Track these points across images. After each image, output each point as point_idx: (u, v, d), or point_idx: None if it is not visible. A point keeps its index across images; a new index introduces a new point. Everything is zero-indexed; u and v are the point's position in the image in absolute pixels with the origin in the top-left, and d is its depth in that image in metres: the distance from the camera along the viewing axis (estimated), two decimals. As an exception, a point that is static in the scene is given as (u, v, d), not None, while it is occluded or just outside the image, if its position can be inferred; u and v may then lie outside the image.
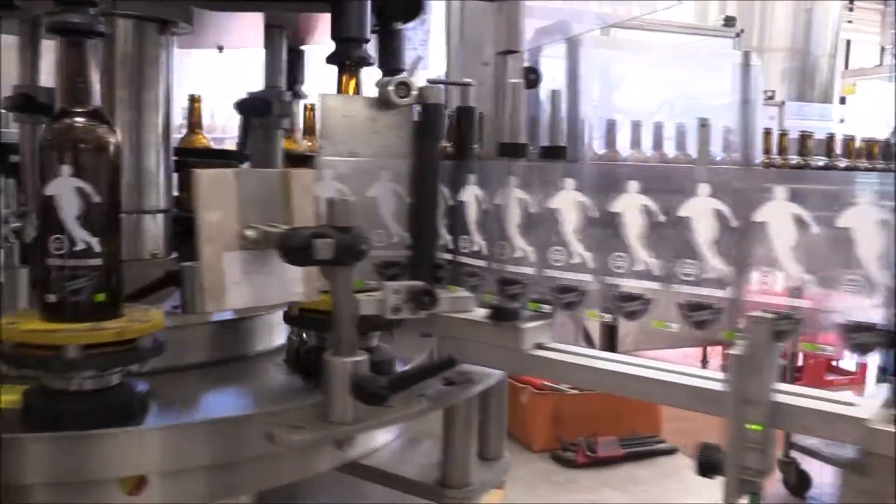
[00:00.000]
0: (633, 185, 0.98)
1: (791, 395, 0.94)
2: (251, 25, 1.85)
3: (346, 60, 1.27)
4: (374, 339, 1.22)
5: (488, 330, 1.11)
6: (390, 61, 1.43)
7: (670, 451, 3.76)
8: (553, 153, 1.06)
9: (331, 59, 1.32)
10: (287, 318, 1.25)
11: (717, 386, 0.95)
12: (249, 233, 1.04)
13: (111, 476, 1.06)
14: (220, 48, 2.02)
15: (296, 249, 0.93)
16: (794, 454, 3.64)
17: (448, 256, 1.18)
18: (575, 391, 2.73)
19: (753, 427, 0.91)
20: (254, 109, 1.62)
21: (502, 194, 1.11)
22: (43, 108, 1.65)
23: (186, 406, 1.21)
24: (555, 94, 1.13)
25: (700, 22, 6.04)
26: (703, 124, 2.63)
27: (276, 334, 1.44)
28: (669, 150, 3.99)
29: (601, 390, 1.04)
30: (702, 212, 0.94)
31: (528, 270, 1.09)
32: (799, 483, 3.66)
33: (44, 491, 1.04)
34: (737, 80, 3.66)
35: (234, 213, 1.05)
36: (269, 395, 1.24)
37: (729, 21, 5.20)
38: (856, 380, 5.26)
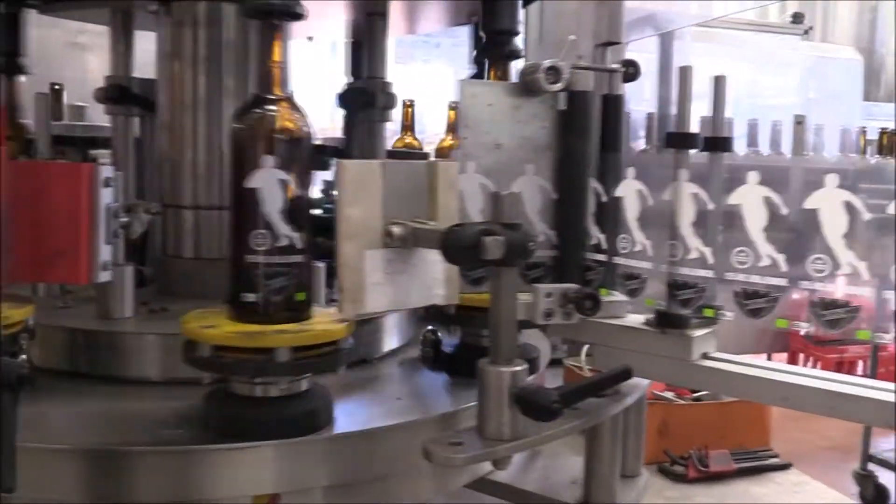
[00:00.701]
0: (832, 179, 0.88)
1: None
2: (344, 14, 1.77)
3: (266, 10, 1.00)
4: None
5: (651, 338, 1.01)
6: (497, 23, 1.29)
7: (784, 467, 3.53)
8: (717, 145, 0.96)
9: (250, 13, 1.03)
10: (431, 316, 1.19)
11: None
12: (396, 229, 0.95)
13: (224, 495, 0.98)
14: (310, 38, 1.94)
15: (462, 248, 0.84)
16: (872, 466, 3.50)
17: (600, 257, 1.08)
18: (682, 401, 2.60)
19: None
20: (357, 102, 1.53)
21: (672, 189, 1.01)
22: (137, 100, 1.59)
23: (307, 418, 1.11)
24: (719, 81, 1.03)
25: (760, 18, 5.88)
26: (799, 121, 2.49)
27: (392, 336, 1.35)
28: (740, 148, 3.86)
29: (788, 407, 0.93)
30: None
31: (705, 273, 0.99)
32: (877, 497, 3.51)
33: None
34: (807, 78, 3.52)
35: (377, 208, 0.96)
36: (396, 404, 1.15)
37: (797, 18, 5.05)
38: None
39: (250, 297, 0.98)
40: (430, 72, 4.80)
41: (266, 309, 0.98)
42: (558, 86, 1.05)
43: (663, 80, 2.44)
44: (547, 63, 1.05)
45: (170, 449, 0.96)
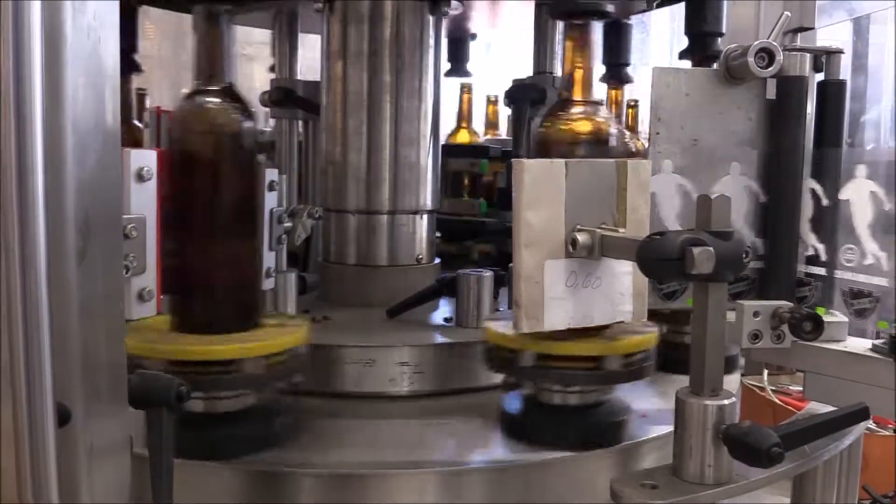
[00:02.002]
0: None
1: None
2: (512, 9, 1.67)
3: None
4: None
5: (882, 368, 0.85)
6: (703, 24, 1.18)
7: None
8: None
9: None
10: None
11: None
12: (581, 237, 0.84)
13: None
14: (474, 35, 1.86)
15: (664, 260, 0.72)
16: None
17: (817, 270, 0.93)
18: (885, 432, 2.34)
19: None
20: (527, 98, 1.43)
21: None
22: (302, 102, 1.56)
23: (467, 443, 1.01)
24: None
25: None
26: None
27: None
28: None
29: None
30: None
31: (881, 281, 0.87)
32: None
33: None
34: None
35: (560, 213, 0.86)
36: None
37: None
38: None
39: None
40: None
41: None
42: (771, 70, 0.91)
43: (857, 70, 2.20)
44: (758, 44, 0.91)
45: (335, 472, 0.90)
